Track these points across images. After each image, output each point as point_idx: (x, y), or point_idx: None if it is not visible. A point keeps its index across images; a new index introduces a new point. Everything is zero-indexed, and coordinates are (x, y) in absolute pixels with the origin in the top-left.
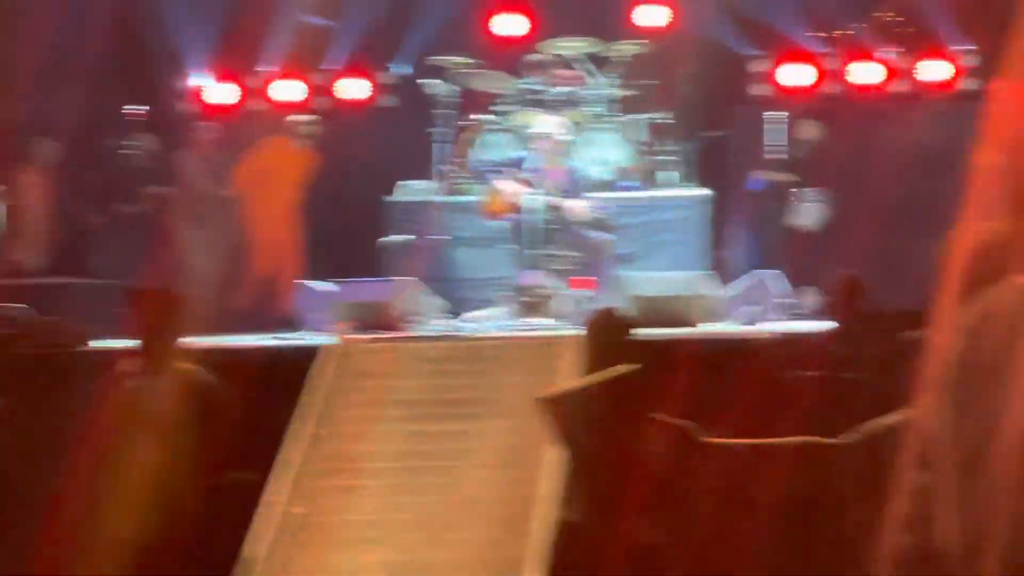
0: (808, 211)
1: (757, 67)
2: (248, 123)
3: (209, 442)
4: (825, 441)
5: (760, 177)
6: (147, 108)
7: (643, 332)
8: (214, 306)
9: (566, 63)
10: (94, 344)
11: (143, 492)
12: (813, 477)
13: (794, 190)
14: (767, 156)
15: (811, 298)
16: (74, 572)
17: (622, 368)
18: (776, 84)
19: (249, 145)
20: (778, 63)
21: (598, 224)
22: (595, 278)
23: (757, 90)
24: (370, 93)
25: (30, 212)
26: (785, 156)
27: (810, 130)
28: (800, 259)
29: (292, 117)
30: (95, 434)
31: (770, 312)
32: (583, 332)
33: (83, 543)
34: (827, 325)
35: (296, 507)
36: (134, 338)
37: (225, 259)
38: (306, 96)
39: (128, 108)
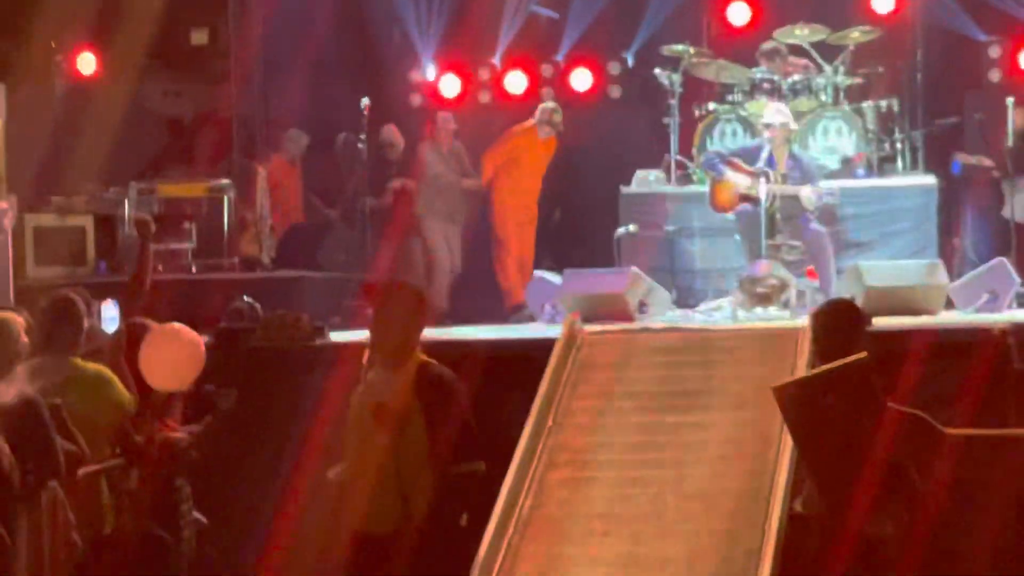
0: (1020, 201)
1: (993, 52)
2: (481, 114)
3: (444, 435)
4: None
5: (959, 160)
6: (376, 101)
7: (877, 321)
8: (453, 298)
9: (797, 51)
10: (331, 337)
11: (380, 483)
12: None
13: (1006, 180)
14: (972, 141)
15: None
16: (308, 561)
17: (855, 357)
18: (1014, 69)
19: (484, 136)
20: (1015, 48)
21: (827, 213)
22: (823, 268)
23: (993, 76)
24: (599, 84)
25: (263, 204)
26: (1006, 143)
27: (1021, 117)
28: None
29: (541, 105)
30: (331, 425)
31: (1007, 300)
32: (813, 323)
33: (317, 533)
34: None
35: (527, 499)
36: (372, 331)
37: (465, 251)
38: (534, 87)
39: (363, 101)
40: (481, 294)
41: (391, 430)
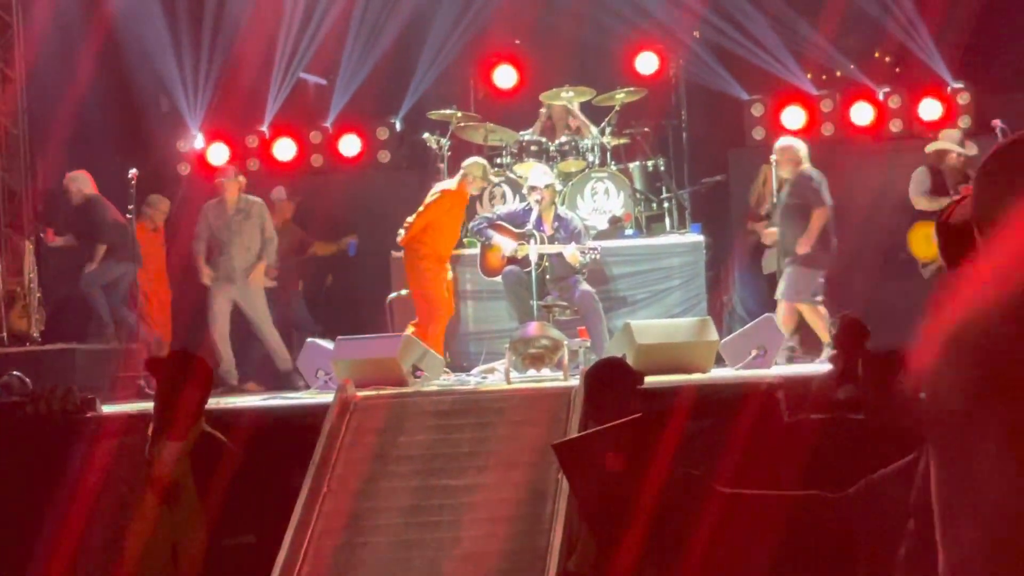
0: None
1: (755, 111)
2: (251, 181)
3: (222, 504)
4: (828, 495)
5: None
6: (144, 170)
7: (649, 380)
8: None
9: (569, 113)
10: (102, 408)
11: (152, 552)
12: (819, 528)
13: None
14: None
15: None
16: None
17: (632, 417)
18: (777, 127)
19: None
20: (777, 107)
21: (596, 273)
22: (594, 327)
23: (757, 134)
24: (367, 149)
25: (32, 278)
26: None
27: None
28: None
29: (471, 159)
30: (106, 497)
31: (775, 355)
32: (586, 382)
33: None
34: (829, 367)
35: (303, 566)
36: (155, 403)
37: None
38: (303, 154)
39: (130, 171)
40: None
41: (167, 501)
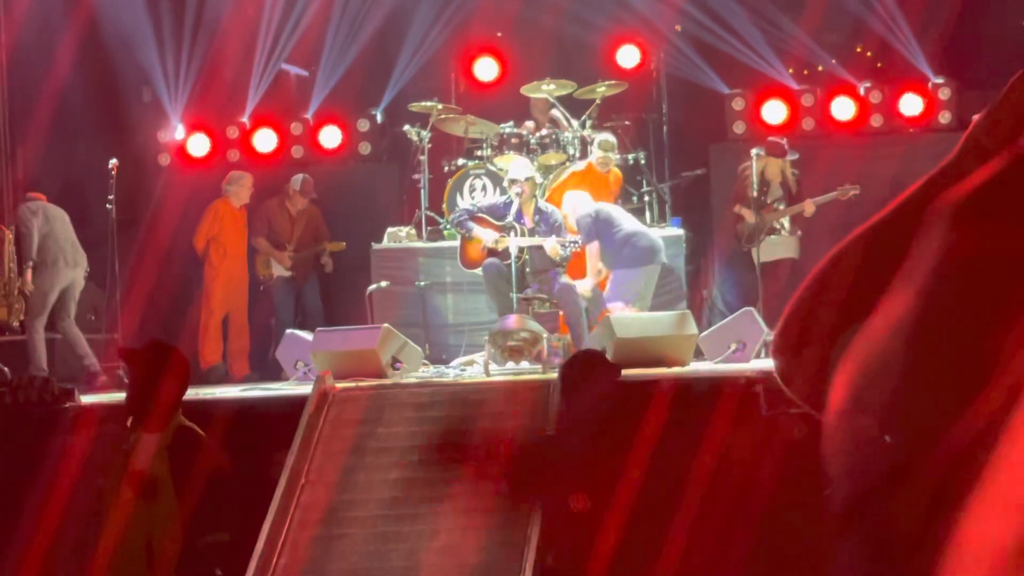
0: (767, 243)
1: (736, 105)
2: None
3: (197, 499)
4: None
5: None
6: (124, 161)
7: (626, 372)
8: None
9: (551, 106)
10: (81, 399)
11: (128, 549)
12: (792, 531)
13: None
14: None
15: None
16: None
17: (607, 410)
18: (758, 121)
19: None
20: (758, 101)
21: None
22: (573, 320)
23: (738, 128)
24: (348, 141)
25: (11, 267)
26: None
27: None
28: (770, 295)
29: (600, 137)
30: (80, 488)
31: (755, 349)
32: (563, 375)
33: None
34: None
35: (280, 559)
36: (131, 395)
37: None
38: (284, 145)
39: (110, 162)
40: None
41: (143, 495)
